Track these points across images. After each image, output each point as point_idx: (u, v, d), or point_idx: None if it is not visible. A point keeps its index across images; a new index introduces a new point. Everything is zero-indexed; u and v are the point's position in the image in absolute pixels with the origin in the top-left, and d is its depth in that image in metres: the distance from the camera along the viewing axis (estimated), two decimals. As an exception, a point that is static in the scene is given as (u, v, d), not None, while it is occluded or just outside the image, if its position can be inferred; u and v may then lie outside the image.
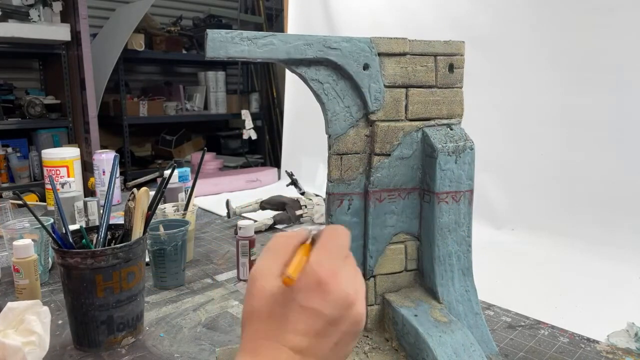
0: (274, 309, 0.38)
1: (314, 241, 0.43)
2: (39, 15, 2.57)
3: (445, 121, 0.66)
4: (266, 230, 1.32)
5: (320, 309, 0.37)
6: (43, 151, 1.53)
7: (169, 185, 1.08)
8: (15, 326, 0.63)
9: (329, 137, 0.63)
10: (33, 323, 0.63)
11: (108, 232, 0.78)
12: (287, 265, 0.40)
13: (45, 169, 1.51)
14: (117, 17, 3.36)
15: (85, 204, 1.21)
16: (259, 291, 0.39)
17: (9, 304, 0.63)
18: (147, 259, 0.95)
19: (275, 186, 1.95)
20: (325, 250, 0.40)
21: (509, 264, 1.10)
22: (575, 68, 1.20)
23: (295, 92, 2.07)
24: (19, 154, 2.94)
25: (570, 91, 1.22)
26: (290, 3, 2.08)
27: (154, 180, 1.77)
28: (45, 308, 0.65)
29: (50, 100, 2.92)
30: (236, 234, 0.99)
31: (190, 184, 1.14)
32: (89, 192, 1.63)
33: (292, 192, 1.48)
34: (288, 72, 1.51)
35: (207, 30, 0.54)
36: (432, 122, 0.66)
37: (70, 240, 0.73)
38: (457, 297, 0.64)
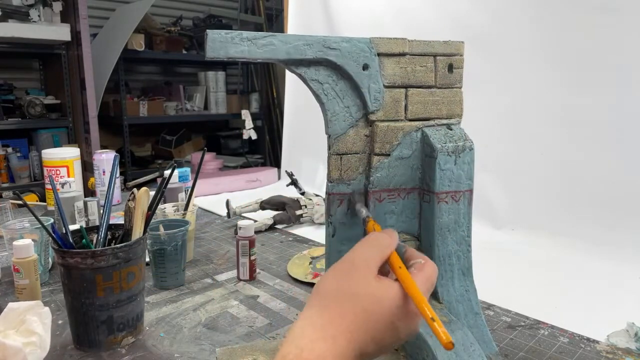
0: (385, 318, 0.42)
1: (404, 258, 0.49)
2: (39, 15, 2.57)
3: (444, 121, 0.66)
4: (266, 230, 1.33)
5: (402, 336, 0.43)
6: (43, 151, 1.53)
7: (169, 185, 1.08)
8: (16, 327, 0.63)
9: (329, 137, 0.63)
10: (34, 324, 0.63)
11: (108, 232, 0.78)
12: (386, 263, 0.46)
13: (45, 169, 1.51)
14: (117, 17, 3.36)
15: (85, 204, 1.22)
16: (362, 281, 0.43)
17: (10, 305, 0.63)
18: (147, 259, 0.95)
19: (275, 186, 1.95)
20: (426, 288, 0.44)
21: (509, 264, 1.10)
22: (575, 68, 1.20)
23: (295, 92, 2.07)
24: (19, 154, 2.94)
25: (570, 91, 1.22)
26: (290, 3, 2.08)
27: (154, 180, 1.77)
28: (46, 309, 0.65)
29: (50, 100, 2.92)
30: (236, 234, 0.99)
31: (190, 184, 1.14)
32: (89, 192, 1.63)
33: (292, 192, 1.48)
34: (288, 72, 1.51)
35: (207, 30, 0.54)
36: (431, 122, 0.66)
37: (70, 240, 0.73)
38: (457, 297, 0.65)
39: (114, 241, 0.79)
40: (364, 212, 0.60)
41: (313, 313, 0.42)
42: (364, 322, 0.41)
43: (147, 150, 3.89)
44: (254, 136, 3.88)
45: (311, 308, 0.42)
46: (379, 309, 0.41)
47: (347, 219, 0.65)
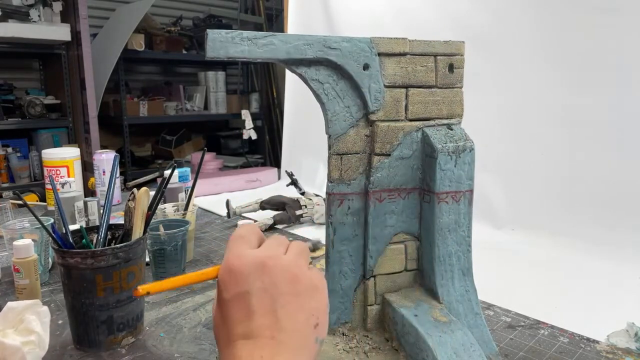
0: (217, 314, 0.43)
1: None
2: (39, 15, 2.57)
3: (445, 121, 0.66)
4: (266, 230, 1.32)
5: (238, 290, 0.41)
6: (43, 151, 1.53)
7: (169, 185, 1.08)
8: (15, 326, 0.63)
9: (329, 137, 0.63)
10: (33, 323, 0.63)
11: (108, 232, 0.78)
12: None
13: (45, 169, 1.51)
14: (117, 17, 3.36)
15: (85, 204, 1.21)
16: (246, 272, 0.43)
17: (9, 304, 0.63)
18: (147, 259, 0.95)
19: (275, 186, 1.95)
20: (275, 246, 0.45)
21: (509, 264, 1.10)
22: (576, 68, 1.20)
23: (295, 92, 2.07)
24: (19, 154, 2.94)
25: (571, 91, 1.22)
26: (290, 3, 2.08)
27: (154, 180, 1.77)
28: (45, 308, 0.65)
29: (50, 100, 2.92)
30: (236, 234, 0.99)
31: (190, 184, 1.14)
32: (89, 192, 1.63)
33: (292, 192, 1.48)
34: (288, 72, 1.51)
35: (207, 30, 0.54)
36: (432, 122, 0.66)
37: (70, 240, 0.73)
38: (457, 297, 0.64)
39: (114, 241, 0.79)
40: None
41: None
42: (226, 330, 0.42)
43: (147, 150, 3.89)
44: (254, 136, 3.88)
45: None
46: (219, 313, 0.43)
47: (347, 219, 0.65)
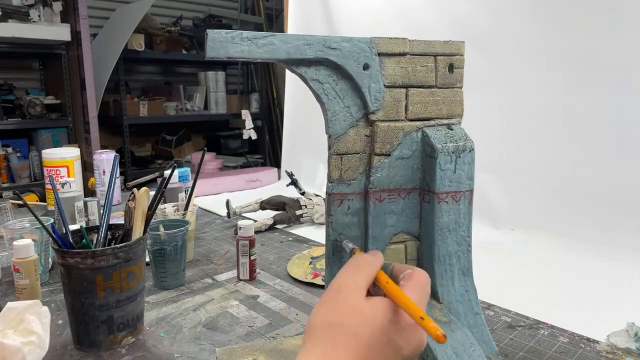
0: (359, 329, 0.39)
1: (392, 274, 0.47)
2: (39, 15, 2.57)
3: (445, 121, 0.66)
4: (266, 230, 1.32)
5: (404, 352, 0.40)
6: (43, 151, 1.53)
7: (169, 185, 1.08)
8: (15, 326, 0.63)
9: (329, 137, 0.63)
10: (33, 323, 0.63)
11: (108, 232, 0.78)
12: (371, 283, 0.43)
13: (45, 169, 1.51)
14: (117, 17, 3.36)
15: (85, 204, 1.21)
16: (349, 306, 0.41)
17: (9, 304, 0.63)
18: (147, 259, 0.95)
19: (275, 186, 1.95)
20: (419, 296, 0.43)
21: (508, 264, 1.10)
22: (575, 68, 1.20)
23: (295, 92, 2.07)
24: (19, 154, 2.94)
25: (571, 91, 1.22)
26: (290, 3, 2.08)
27: (154, 180, 1.77)
28: (45, 308, 0.65)
29: (50, 100, 2.92)
30: (236, 234, 0.99)
31: (190, 184, 1.14)
32: (89, 192, 1.63)
33: (292, 192, 1.48)
34: (288, 72, 1.51)
35: (207, 30, 0.54)
36: (432, 122, 0.66)
37: (71, 240, 0.73)
38: (457, 297, 0.64)
39: (114, 241, 0.79)
40: (350, 245, 0.59)
41: (306, 351, 0.40)
42: (358, 348, 0.39)
43: (147, 150, 3.89)
44: (254, 136, 3.88)
45: (304, 346, 0.40)
46: (369, 330, 0.39)
47: (347, 219, 0.65)
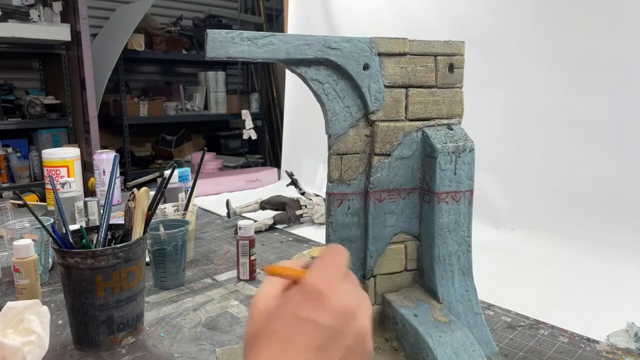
0: (272, 325, 0.36)
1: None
2: (39, 15, 2.57)
3: (445, 121, 0.66)
4: (266, 230, 1.32)
5: (319, 319, 0.35)
6: (43, 151, 1.53)
7: (169, 185, 1.08)
8: (15, 326, 0.63)
9: (329, 137, 0.63)
10: (32, 323, 0.63)
11: (108, 232, 0.78)
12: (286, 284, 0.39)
13: (45, 169, 1.51)
14: (117, 17, 3.36)
15: (85, 204, 1.21)
16: (258, 313, 0.37)
17: (8, 304, 0.63)
18: (147, 259, 0.95)
19: (275, 186, 1.95)
20: (323, 265, 0.39)
21: (509, 264, 1.10)
22: (575, 68, 1.20)
23: (295, 92, 2.07)
24: (19, 154, 2.94)
25: (570, 91, 1.22)
26: (290, 3, 2.08)
27: (154, 180, 1.77)
28: (45, 307, 0.65)
29: (50, 100, 2.92)
30: (236, 234, 0.99)
31: (190, 184, 1.14)
32: (89, 192, 1.63)
33: (292, 192, 1.48)
34: (288, 72, 1.51)
35: (207, 30, 0.54)
36: (432, 122, 0.66)
37: (71, 240, 0.73)
38: (457, 297, 0.64)
39: (114, 241, 0.79)
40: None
41: None
42: (278, 344, 0.35)
43: (147, 150, 3.89)
44: (254, 136, 3.88)
45: None
46: (281, 321, 0.36)
47: (347, 219, 0.65)
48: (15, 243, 0.84)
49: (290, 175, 1.48)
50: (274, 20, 4.10)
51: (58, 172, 1.47)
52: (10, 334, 0.62)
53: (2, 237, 1.04)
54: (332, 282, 0.37)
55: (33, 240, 0.87)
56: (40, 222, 0.75)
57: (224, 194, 1.77)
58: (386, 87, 0.63)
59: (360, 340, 0.36)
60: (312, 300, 0.36)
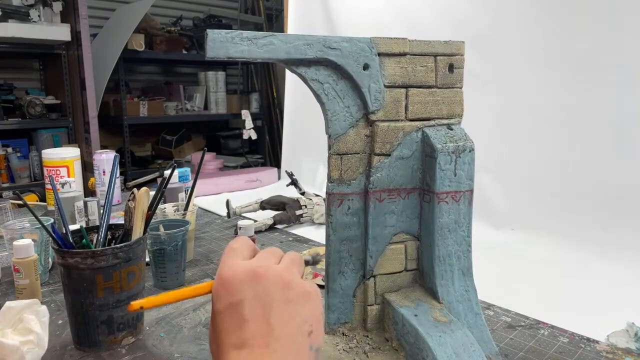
0: (210, 327, 0.42)
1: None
2: (39, 15, 2.57)
3: (445, 121, 0.66)
4: (266, 230, 1.32)
5: (230, 300, 0.41)
6: (43, 151, 1.53)
7: (169, 185, 1.08)
8: (14, 325, 0.63)
9: (329, 137, 0.63)
10: (31, 322, 0.63)
11: (108, 232, 0.78)
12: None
13: (45, 169, 1.51)
14: (117, 17, 3.36)
15: (85, 204, 1.21)
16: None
17: (7, 303, 0.63)
18: (147, 259, 0.95)
19: (275, 186, 1.95)
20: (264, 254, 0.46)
21: (509, 264, 1.10)
22: (575, 68, 1.20)
23: (295, 92, 2.07)
24: (19, 154, 2.94)
25: (571, 91, 1.22)
26: (290, 3, 2.08)
27: (154, 180, 1.77)
28: (44, 307, 0.65)
29: (50, 100, 2.92)
30: (236, 234, 0.99)
31: (190, 184, 1.14)
32: (89, 192, 1.63)
33: (292, 192, 1.48)
34: (288, 72, 1.51)
35: (207, 30, 0.54)
36: (432, 122, 0.66)
37: (70, 240, 0.73)
38: (457, 297, 0.64)
39: (114, 241, 0.79)
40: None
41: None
42: (218, 343, 0.41)
43: (147, 150, 3.89)
44: (254, 136, 3.88)
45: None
46: (214, 317, 0.42)
47: (347, 219, 0.65)
48: (15, 243, 0.84)
49: (290, 175, 1.48)
50: (274, 20, 4.10)
51: (58, 172, 1.47)
52: (9, 334, 0.62)
53: (2, 237, 1.04)
54: (226, 262, 0.44)
55: (33, 240, 0.87)
56: (40, 222, 0.75)
57: (224, 194, 1.77)
58: (386, 87, 0.63)
59: (284, 286, 0.42)
60: (220, 287, 0.42)
